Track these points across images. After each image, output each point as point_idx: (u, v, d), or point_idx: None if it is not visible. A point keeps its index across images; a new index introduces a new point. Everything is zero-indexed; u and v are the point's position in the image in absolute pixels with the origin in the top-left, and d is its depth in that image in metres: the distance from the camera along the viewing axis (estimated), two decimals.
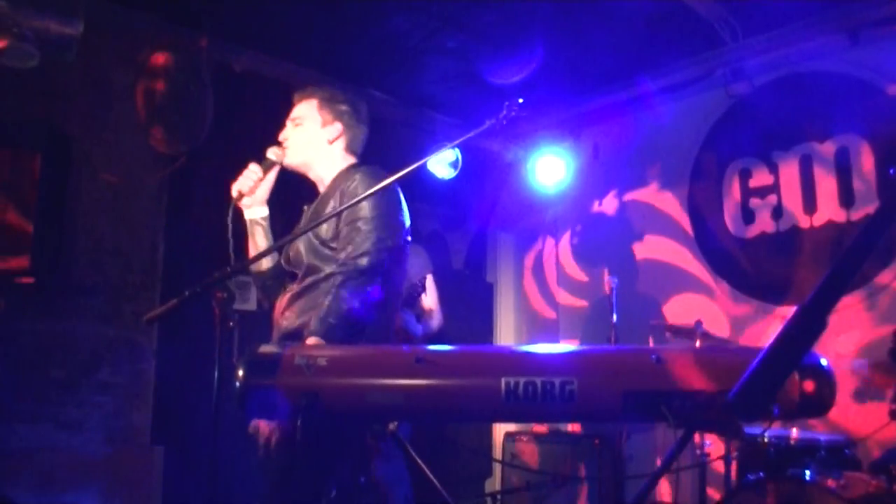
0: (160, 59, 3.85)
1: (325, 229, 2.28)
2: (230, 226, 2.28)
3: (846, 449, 3.05)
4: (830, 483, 2.72)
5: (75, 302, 3.89)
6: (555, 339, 5.69)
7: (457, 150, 4.78)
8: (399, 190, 2.37)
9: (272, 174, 2.46)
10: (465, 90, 4.70)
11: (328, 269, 2.26)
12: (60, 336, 3.82)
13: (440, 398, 1.67)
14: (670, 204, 5.06)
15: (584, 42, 4.38)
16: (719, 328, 4.49)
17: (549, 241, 5.84)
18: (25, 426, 3.68)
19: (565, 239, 5.75)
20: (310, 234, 2.28)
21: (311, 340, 2.11)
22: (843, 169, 4.21)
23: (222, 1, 3.97)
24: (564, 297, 5.69)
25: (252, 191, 2.39)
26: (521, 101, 2.14)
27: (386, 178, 2.09)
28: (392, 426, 1.89)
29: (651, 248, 5.12)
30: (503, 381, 1.61)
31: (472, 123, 2.41)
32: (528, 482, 4.65)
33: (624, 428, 4.60)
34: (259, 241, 2.45)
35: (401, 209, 2.36)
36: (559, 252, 5.77)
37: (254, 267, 2.44)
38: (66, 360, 3.83)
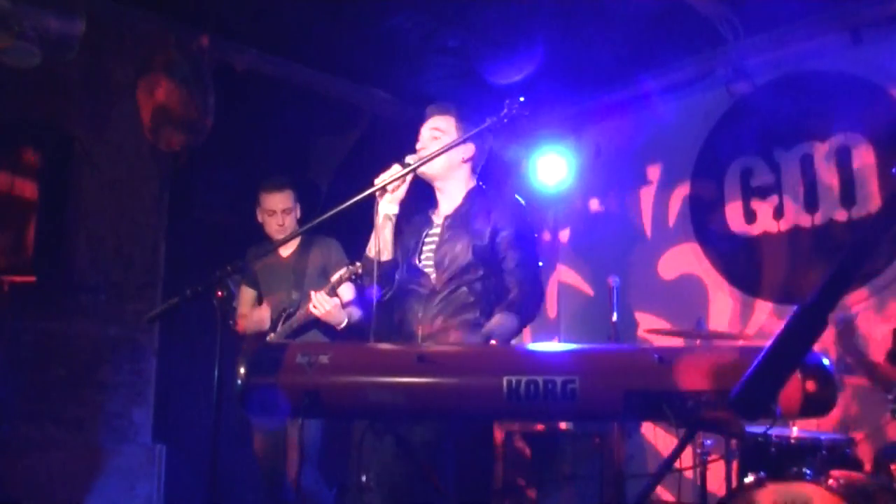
0: (161, 58, 3.85)
1: (486, 238, 2.52)
2: (378, 220, 2.48)
3: (847, 448, 3.05)
4: (831, 482, 2.72)
5: (76, 301, 3.89)
6: (555, 339, 5.69)
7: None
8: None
9: (409, 177, 2.55)
10: (465, 89, 4.69)
11: (481, 272, 2.49)
12: (61, 335, 3.83)
13: (442, 397, 1.67)
14: (671, 203, 5.05)
15: (585, 41, 4.37)
16: (720, 327, 4.49)
17: (550, 240, 5.84)
18: (26, 425, 3.68)
19: (566, 238, 5.74)
20: (472, 239, 2.50)
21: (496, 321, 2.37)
22: (845, 168, 4.21)
23: (224, 0, 3.97)
24: (565, 296, 5.68)
25: (395, 189, 2.49)
26: (521, 99, 2.16)
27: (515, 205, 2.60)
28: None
29: (652, 247, 5.12)
30: (505, 379, 1.61)
31: (472, 124, 2.46)
32: (528, 481, 4.64)
33: (625, 427, 4.60)
34: (387, 235, 2.56)
35: None
36: (560, 251, 5.76)
37: (377, 255, 2.55)
38: (67, 359, 3.84)
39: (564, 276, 5.71)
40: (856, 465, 3.02)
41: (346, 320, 3.44)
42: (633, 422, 4.53)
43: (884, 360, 3.30)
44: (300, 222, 3.74)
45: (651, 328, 4.39)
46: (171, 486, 4.04)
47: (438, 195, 2.69)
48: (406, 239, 2.68)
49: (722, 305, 4.66)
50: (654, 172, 5.18)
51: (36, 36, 3.28)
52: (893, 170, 3.49)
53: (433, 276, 2.54)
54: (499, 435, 5.02)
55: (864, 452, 3.29)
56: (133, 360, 4.04)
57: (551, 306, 5.77)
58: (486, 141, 2.72)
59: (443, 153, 2.44)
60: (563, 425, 4.78)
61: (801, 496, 2.68)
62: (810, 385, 1.55)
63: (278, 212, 3.64)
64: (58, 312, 3.83)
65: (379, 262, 2.55)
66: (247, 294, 3.75)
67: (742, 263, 4.61)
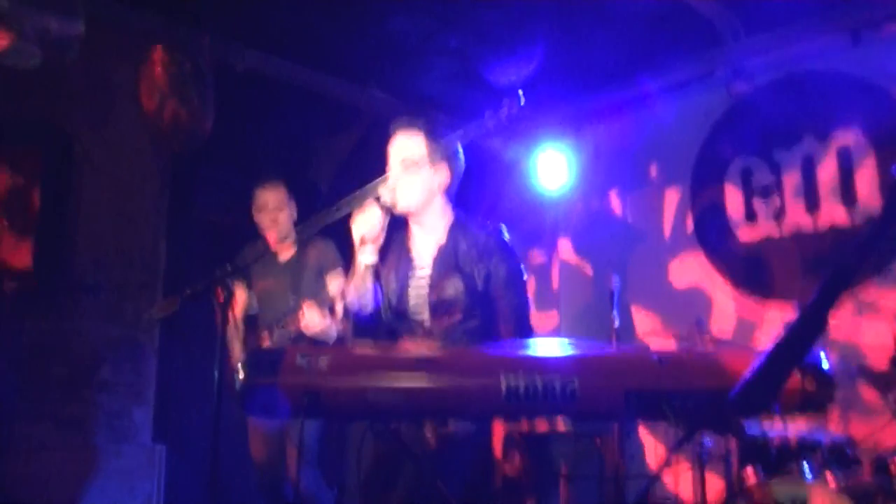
0: (162, 58, 3.85)
1: (479, 285, 2.40)
2: (369, 278, 2.37)
3: (847, 448, 3.05)
4: (831, 482, 2.72)
5: (77, 301, 3.89)
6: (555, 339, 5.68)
7: (460, 153, 4.77)
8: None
9: (386, 218, 2.42)
10: (465, 89, 4.70)
11: (477, 313, 2.38)
12: (62, 335, 3.83)
13: (441, 398, 1.67)
14: (671, 203, 5.05)
15: (585, 41, 4.37)
16: (721, 327, 4.49)
17: (550, 240, 5.83)
18: (27, 425, 3.68)
19: (566, 238, 5.74)
20: (465, 281, 2.38)
21: None
22: (845, 168, 4.21)
23: (224, 0, 3.97)
24: (565, 296, 5.68)
25: (377, 238, 2.38)
26: (520, 92, 2.12)
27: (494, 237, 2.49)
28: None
29: (652, 247, 5.12)
30: (504, 380, 1.61)
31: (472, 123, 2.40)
32: (528, 481, 4.64)
33: (625, 427, 4.59)
34: (368, 285, 2.43)
35: None
36: (560, 251, 5.76)
37: (360, 308, 2.46)
38: (67, 358, 3.84)
39: (564, 276, 5.70)
40: (856, 465, 3.02)
41: (335, 336, 3.40)
42: (633, 422, 4.53)
43: (887, 366, 3.27)
44: (296, 221, 3.75)
45: (650, 332, 4.38)
46: (171, 486, 4.03)
47: (415, 228, 2.55)
48: (384, 281, 2.53)
49: (722, 305, 4.65)
50: (654, 172, 5.18)
51: (36, 36, 3.28)
52: (894, 170, 3.49)
53: (425, 320, 2.41)
54: (499, 435, 5.02)
55: (864, 452, 3.29)
56: (133, 360, 4.03)
57: (552, 306, 5.77)
58: (460, 162, 2.58)
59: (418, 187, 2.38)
60: (563, 425, 4.78)
61: (800, 496, 2.68)
62: (809, 384, 1.55)
63: (269, 208, 3.65)
64: (58, 312, 3.82)
65: (359, 314, 2.46)
66: (241, 295, 3.76)
67: (742, 264, 4.61)
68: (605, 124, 5.44)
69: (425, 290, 2.43)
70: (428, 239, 2.50)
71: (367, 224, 2.34)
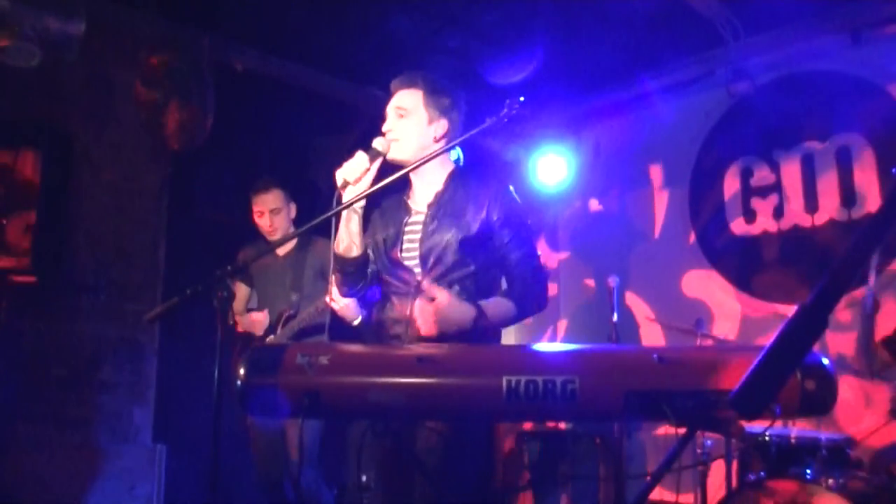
0: (162, 58, 3.85)
1: (473, 229, 2.32)
2: (335, 215, 2.22)
3: (847, 448, 3.05)
4: (831, 482, 2.72)
5: (76, 301, 3.89)
6: (555, 339, 5.69)
7: (458, 150, 4.78)
8: None
9: (376, 165, 2.34)
10: (466, 89, 4.69)
11: (472, 267, 2.30)
12: (62, 335, 3.82)
13: (441, 397, 1.67)
14: (671, 203, 5.06)
15: (585, 41, 4.38)
16: (720, 327, 4.50)
17: (550, 240, 5.84)
18: (27, 425, 3.68)
19: (566, 238, 5.74)
20: (459, 231, 2.30)
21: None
22: (845, 168, 4.21)
23: (224, 0, 3.97)
24: (565, 296, 5.68)
25: (358, 181, 2.29)
26: (521, 99, 2.12)
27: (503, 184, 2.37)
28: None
29: (652, 247, 5.12)
30: (504, 380, 1.61)
31: (473, 123, 2.38)
32: (528, 481, 4.65)
33: (625, 427, 4.60)
34: (353, 227, 2.36)
35: None
36: (560, 251, 5.77)
37: (344, 251, 2.37)
38: (67, 359, 3.84)
39: (564, 276, 5.71)
40: (856, 465, 3.03)
41: (359, 317, 3.33)
42: (633, 422, 4.53)
43: (881, 345, 3.27)
44: (296, 221, 3.75)
45: (650, 332, 4.39)
46: (171, 486, 4.04)
47: (413, 179, 2.48)
48: (380, 229, 2.47)
49: (722, 305, 4.66)
50: (654, 172, 5.18)
51: (36, 36, 3.28)
52: (893, 170, 3.49)
53: (418, 271, 2.32)
54: (499, 435, 5.01)
55: (864, 452, 3.29)
56: (133, 360, 4.03)
57: (552, 306, 5.77)
58: (460, 111, 2.49)
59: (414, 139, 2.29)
60: (563, 425, 4.78)
61: (801, 496, 2.68)
62: (809, 384, 1.55)
63: (266, 212, 3.67)
64: (58, 312, 3.82)
65: (347, 259, 2.36)
66: (241, 292, 3.77)
67: (742, 263, 4.62)
68: (605, 124, 5.44)
69: (417, 240, 2.35)
70: (427, 189, 2.44)
71: (349, 167, 2.29)
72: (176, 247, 4.28)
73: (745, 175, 4.66)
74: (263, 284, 3.74)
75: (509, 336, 6.03)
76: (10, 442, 3.59)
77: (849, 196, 4.18)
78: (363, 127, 5.16)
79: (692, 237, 4.90)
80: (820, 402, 1.58)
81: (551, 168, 5.39)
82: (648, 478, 1.66)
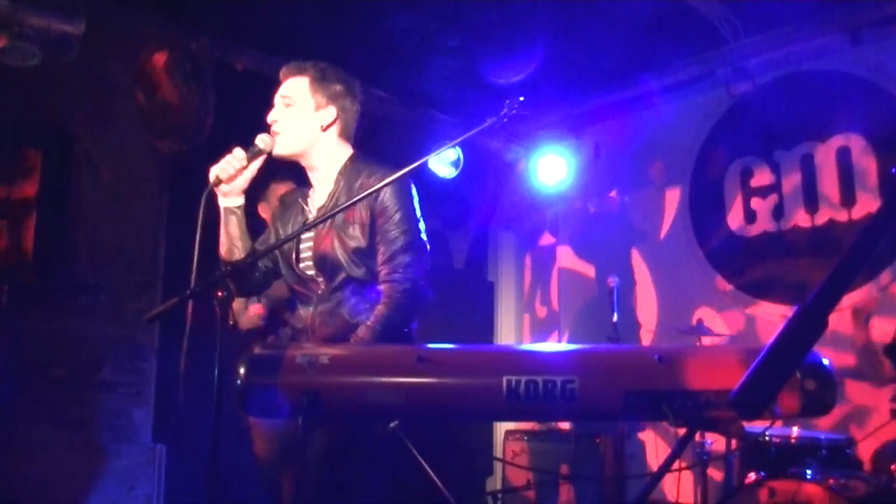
0: (162, 57, 3.85)
1: (354, 232, 2.22)
2: (202, 213, 2.12)
3: (847, 448, 3.06)
4: (831, 482, 2.72)
5: (77, 301, 3.89)
6: (555, 339, 5.69)
7: (458, 149, 4.78)
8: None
9: (257, 163, 2.26)
10: (465, 89, 4.70)
11: (360, 273, 2.21)
12: (62, 335, 3.83)
13: (442, 397, 1.67)
14: (671, 203, 5.06)
15: (585, 41, 4.38)
16: (721, 327, 4.49)
17: (550, 240, 5.84)
18: (27, 425, 3.68)
19: (566, 238, 5.74)
20: (342, 235, 2.21)
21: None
22: (845, 168, 4.21)
23: (224, 0, 3.97)
24: (565, 296, 5.68)
25: (232, 179, 2.23)
26: (521, 99, 2.11)
27: (396, 172, 2.07)
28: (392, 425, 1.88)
29: (652, 247, 5.12)
30: (505, 380, 1.61)
31: (472, 122, 2.33)
32: (528, 481, 4.65)
33: (625, 427, 4.60)
34: (233, 230, 2.28)
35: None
36: (560, 251, 5.77)
37: (226, 255, 2.28)
38: (67, 358, 3.84)
39: (564, 277, 5.71)
40: (856, 465, 3.03)
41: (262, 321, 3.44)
42: (633, 422, 4.53)
43: (881, 354, 3.28)
44: None
45: (650, 332, 4.39)
46: (171, 486, 4.04)
47: (310, 175, 2.36)
48: (280, 228, 2.37)
49: (722, 305, 4.66)
50: (654, 172, 5.18)
51: (36, 36, 3.29)
52: (893, 170, 3.49)
53: (320, 280, 2.23)
54: (499, 435, 5.01)
55: (864, 452, 3.29)
56: (133, 360, 4.03)
57: (552, 306, 5.77)
58: (354, 99, 2.37)
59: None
60: (563, 425, 4.79)
61: (800, 496, 2.68)
62: (809, 385, 1.55)
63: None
64: (58, 312, 3.83)
65: (231, 263, 2.24)
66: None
67: (742, 264, 4.62)
68: (605, 124, 5.44)
69: (311, 245, 2.26)
70: (321, 188, 2.33)
71: (223, 164, 2.21)
72: (176, 246, 4.28)
73: (745, 175, 4.66)
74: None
75: (509, 336, 6.03)
76: (10, 442, 3.59)
77: (849, 196, 4.18)
78: (363, 127, 5.17)
79: (692, 237, 4.90)
80: (820, 402, 1.58)
81: (551, 168, 5.39)
82: (648, 478, 1.66)
